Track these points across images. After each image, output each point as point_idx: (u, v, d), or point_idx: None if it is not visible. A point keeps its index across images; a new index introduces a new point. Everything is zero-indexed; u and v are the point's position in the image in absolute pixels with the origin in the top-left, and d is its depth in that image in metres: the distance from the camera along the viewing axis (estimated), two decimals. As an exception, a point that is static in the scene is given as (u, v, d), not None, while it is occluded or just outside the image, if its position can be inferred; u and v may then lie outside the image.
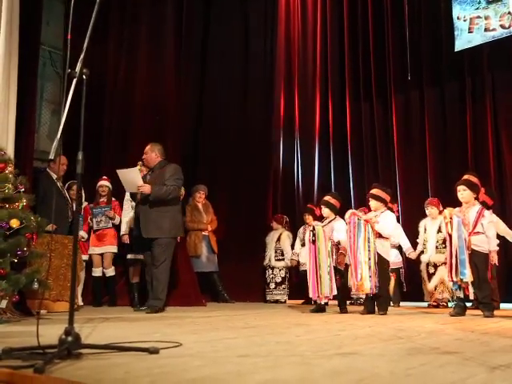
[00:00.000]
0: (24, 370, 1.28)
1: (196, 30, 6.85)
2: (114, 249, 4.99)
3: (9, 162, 3.24)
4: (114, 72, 5.93)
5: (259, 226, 6.31)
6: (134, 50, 5.96)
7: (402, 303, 5.27)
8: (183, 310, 4.15)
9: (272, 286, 5.92)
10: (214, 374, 1.27)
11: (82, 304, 4.38)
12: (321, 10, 7.26)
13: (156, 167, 4.21)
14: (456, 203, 3.83)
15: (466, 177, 3.82)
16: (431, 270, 4.97)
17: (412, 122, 6.40)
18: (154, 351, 1.58)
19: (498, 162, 5.74)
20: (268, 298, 5.90)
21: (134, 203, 4.86)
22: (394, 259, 4.95)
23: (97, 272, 4.95)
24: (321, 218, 4.56)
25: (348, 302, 4.53)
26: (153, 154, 4.20)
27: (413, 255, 5.12)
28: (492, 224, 3.77)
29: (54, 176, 4.49)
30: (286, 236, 6.02)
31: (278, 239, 6.02)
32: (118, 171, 4.11)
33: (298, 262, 5.79)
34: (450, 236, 3.57)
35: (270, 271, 5.96)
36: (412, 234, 5.27)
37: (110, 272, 4.98)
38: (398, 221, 5.13)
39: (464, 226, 3.57)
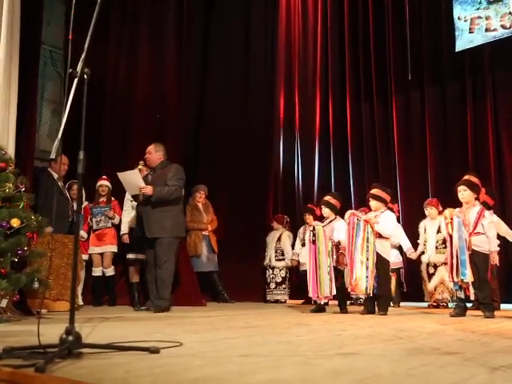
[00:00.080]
0: (25, 369, 1.28)
1: (197, 31, 6.86)
2: (114, 248, 4.99)
3: (9, 162, 3.24)
4: (115, 72, 5.93)
5: (259, 225, 6.31)
6: (135, 49, 5.96)
7: (402, 303, 5.27)
8: (183, 309, 4.15)
9: (272, 285, 5.92)
10: (216, 373, 1.27)
11: (82, 303, 4.38)
12: (321, 9, 7.26)
13: (158, 167, 4.21)
14: (456, 203, 3.83)
15: (466, 177, 3.82)
16: (431, 271, 4.97)
17: (412, 122, 6.40)
18: (154, 351, 1.57)
19: (498, 163, 5.74)
20: (268, 298, 5.90)
21: (134, 203, 4.87)
22: (395, 259, 4.95)
23: (97, 272, 4.95)
24: (321, 218, 4.56)
25: (348, 302, 4.53)
26: (156, 154, 4.21)
27: (413, 255, 5.12)
28: (492, 224, 3.77)
29: (55, 175, 4.50)
30: (287, 236, 6.02)
31: (279, 239, 6.02)
32: (118, 174, 4.12)
33: (299, 262, 5.79)
34: (451, 236, 3.57)
35: (271, 271, 5.96)
36: (412, 234, 5.27)
37: (110, 272, 4.98)
38: (399, 221, 5.13)
39: (464, 226, 3.58)
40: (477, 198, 3.78)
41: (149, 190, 3.98)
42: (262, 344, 1.92)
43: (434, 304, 4.93)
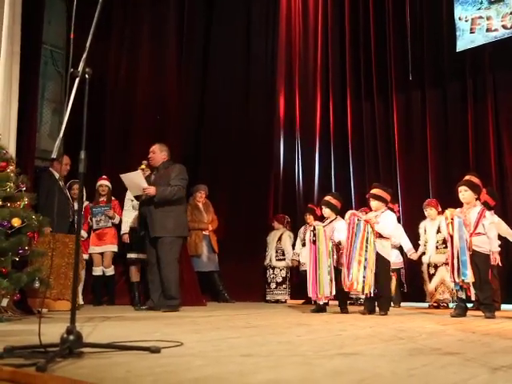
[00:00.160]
0: (26, 368, 1.28)
1: (197, 31, 6.86)
2: (114, 248, 4.99)
3: (10, 161, 3.24)
4: (116, 71, 5.93)
5: (260, 225, 6.32)
6: (136, 49, 5.96)
7: (402, 304, 5.27)
8: (183, 309, 4.15)
9: (273, 285, 5.92)
10: (217, 373, 1.27)
11: (83, 303, 4.39)
12: (322, 9, 7.25)
13: (161, 167, 4.22)
14: (457, 204, 3.83)
15: (467, 177, 3.82)
16: (432, 271, 4.97)
17: (413, 122, 6.40)
18: (155, 350, 1.57)
19: (499, 163, 5.73)
20: (268, 298, 5.90)
21: (134, 202, 4.88)
22: (395, 259, 4.95)
23: (97, 271, 4.95)
24: (322, 218, 4.56)
25: (348, 302, 4.53)
26: (161, 153, 4.22)
27: (414, 256, 5.12)
28: (493, 225, 3.76)
29: (57, 175, 4.50)
30: (287, 236, 6.02)
31: (279, 239, 6.02)
32: (121, 176, 4.14)
33: (299, 262, 5.79)
34: (452, 237, 3.57)
35: (271, 271, 5.97)
36: (413, 235, 5.27)
37: (110, 271, 4.98)
38: (399, 221, 5.13)
39: (465, 226, 3.57)
40: (478, 199, 3.78)
41: (152, 190, 3.99)
42: (263, 344, 1.92)
43: (435, 304, 4.93)
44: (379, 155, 6.51)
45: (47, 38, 5.77)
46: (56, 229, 3.88)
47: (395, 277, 5.09)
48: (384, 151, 6.49)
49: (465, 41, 6.10)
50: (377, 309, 3.88)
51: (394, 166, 6.36)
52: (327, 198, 4.44)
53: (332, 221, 4.30)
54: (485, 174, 5.22)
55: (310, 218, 5.59)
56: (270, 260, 5.99)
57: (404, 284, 5.33)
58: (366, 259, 3.74)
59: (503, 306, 4.57)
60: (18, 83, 3.85)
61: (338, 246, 4.14)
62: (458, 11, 6.22)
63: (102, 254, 4.98)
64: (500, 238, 4.11)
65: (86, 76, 1.71)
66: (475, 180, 3.78)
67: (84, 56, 1.72)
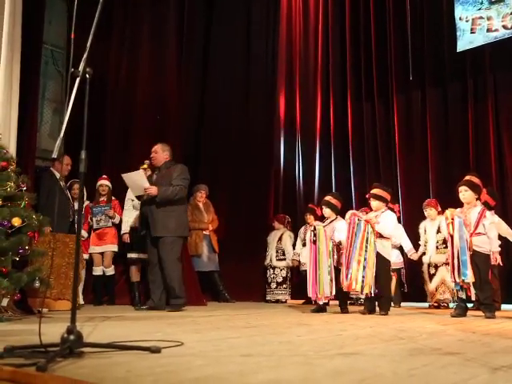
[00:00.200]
0: (26, 368, 1.28)
1: (198, 31, 6.86)
2: (115, 248, 4.99)
3: (11, 161, 3.24)
4: (116, 71, 5.93)
5: (260, 225, 6.32)
6: (136, 49, 5.96)
7: (402, 304, 5.27)
8: (184, 309, 4.15)
9: (273, 285, 5.92)
10: (217, 373, 1.27)
11: (83, 303, 4.39)
12: (322, 9, 7.25)
13: (163, 167, 4.23)
14: (457, 204, 3.83)
15: (467, 177, 3.82)
16: (432, 271, 4.97)
17: (414, 122, 6.40)
18: (155, 350, 1.57)
19: (499, 163, 5.73)
20: (269, 298, 5.90)
21: (135, 202, 4.88)
22: (395, 259, 4.95)
23: (97, 271, 4.95)
24: (322, 218, 4.56)
25: (348, 302, 4.53)
26: (163, 153, 4.23)
27: (414, 256, 5.12)
28: (494, 225, 3.77)
29: (57, 175, 4.51)
30: (288, 236, 6.02)
31: (280, 239, 6.02)
32: (123, 175, 4.15)
33: (299, 262, 5.79)
34: (452, 237, 3.57)
35: (271, 271, 5.96)
36: (413, 235, 5.27)
37: (110, 271, 4.98)
38: (400, 221, 5.13)
39: (465, 226, 3.57)
40: (478, 199, 3.78)
41: (153, 190, 4.00)
42: (263, 344, 1.92)
43: (435, 304, 4.93)
44: (379, 155, 6.51)
45: (48, 37, 5.77)
46: (56, 229, 3.89)
47: (395, 277, 5.09)
48: (384, 151, 6.49)
49: (465, 41, 6.10)
50: (377, 309, 3.88)
51: (395, 166, 6.35)
52: (327, 197, 4.45)
53: (332, 221, 4.30)
54: (485, 174, 5.22)
55: (310, 218, 5.59)
56: (271, 260, 5.99)
57: (404, 284, 5.33)
58: (365, 259, 3.74)
59: (503, 306, 4.56)
60: (19, 83, 3.86)
61: (338, 246, 4.14)
62: (459, 11, 6.22)
63: (102, 253, 4.98)
64: (500, 237, 4.11)
65: (87, 76, 1.71)
66: (475, 180, 3.78)
67: (84, 56, 1.72)
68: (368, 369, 1.36)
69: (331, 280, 3.96)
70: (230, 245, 6.04)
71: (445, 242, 4.67)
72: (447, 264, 4.06)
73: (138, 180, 4.05)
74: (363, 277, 3.72)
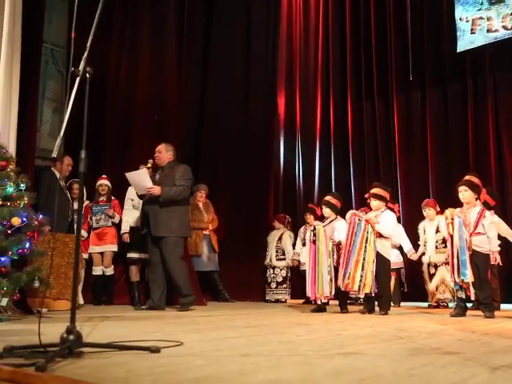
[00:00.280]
0: (26, 368, 1.28)
1: (198, 31, 6.86)
2: (115, 248, 4.99)
3: (10, 160, 3.24)
4: (116, 71, 5.93)
5: (260, 225, 6.32)
6: (136, 49, 5.96)
7: (402, 303, 5.27)
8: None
9: (273, 285, 5.92)
10: (217, 373, 1.27)
11: (83, 302, 4.38)
12: (323, 9, 7.25)
13: (166, 167, 4.24)
14: (457, 204, 3.83)
15: (467, 177, 3.82)
16: (432, 271, 4.97)
17: (413, 122, 6.40)
18: (155, 350, 1.57)
19: (499, 163, 5.74)
20: (268, 298, 5.90)
21: (134, 202, 4.88)
22: (395, 259, 4.95)
23: (97, 271, 4.95)
24: (322, 218, 4.56)
25: (348, 302, 4.53)
26: (166, 153, 4.25)
27: (414, 257, 5.12)
28: (493, 225, 3.77)
29: (58, 174, 4.51)
30: (288, 236, 6.02)
31: (280, 239, 6.02)
32: (126, 174, 4.17)
33: (299, 261, 5.79)
34: (452, 237, 3.57)
35: (271, 271, 5.96)
36: (413, 235, 5.27)
37: (109, 271, 4.98)
38: (399, 221, 5.13)
39: (465, 226, 3.58)
40: (478, 198, 3.78)
41: (157, 190, 4.01)
42: (263, 344, 1.92)
43: (435, 304, 4.94)
44: (379, 155, 6.51)
45: (48, 36, 5.76)
46: (55, 229, 3.88)
47: (395, 276, 5.09)
48: (384, 151, 6.49)
49: (465, 41, 6.10)
50: (377, 308, 3.89)
51: (395, 166, 6.36)
52: (327, 197, 4.45)
53: (332, 221, 4.30)
54: (485, 173, 5.23)
55: (310, 218, 5.59)
56: (271, 260, 5.99)
57: (404, 284, 5.33)
58: (364, 259, 3.75)
59: (503, 306, 4.57)
60: (19, 82, 3.85)
61: (338, 246, 4.14)
62: (459, 12, 6.22)
63: (101, 253, 4.97)
64: (500, 237, 4.11)
65: (87, 75, 1.71)
66: (475, 180, 3.78)
67: (85, 55, 1.72)
68: (368, 368, 1.36)
69: (331, 280, 3.96)
70: (229, 245, 6.04)
71: (444, 241, 4.68)
72: (447, 263, 4.07)
73: (141, 179, 4.06)
74: (361, 276, 3.72)
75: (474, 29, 6.07)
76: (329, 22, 7.16)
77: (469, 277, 3.47)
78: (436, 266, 4.94)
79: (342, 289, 3.89)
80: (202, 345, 1.86)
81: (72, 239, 3.89)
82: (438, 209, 5.02)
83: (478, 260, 3.58)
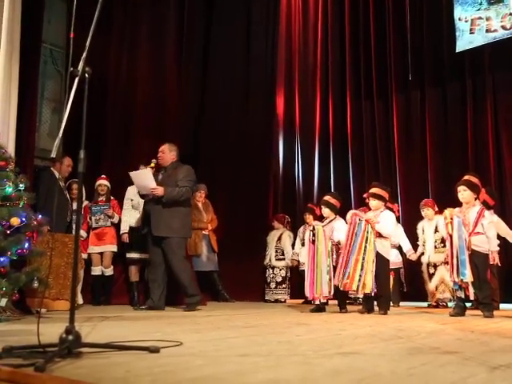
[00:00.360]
0: (25, 368, 1.28)
1: (198, 31, 6.86)
2: (114, 248, 4.99)
3: (9, 160, 3.24)
4: (116, 70, 5.93)
5: (259, 225, 6.32)
6: (136, 48, 5.97)
7: (401, 303, 5.27)
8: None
9: (272, 285, 5.92)
10: (216, 373, 1.27)
11: (82, 303, 4.38)
12: (322, 10, 7.26)
13: (169, 167, 4.24)
14: (456, 204, 3.83)
15: (466, 177, 3.82)
16: (431, 270, 4.98)
17: (413, 122, 6.40)
18: (154, 350, 1.57)
19: (498, 163, 5.75)
20: (268, 298, 5.90)
21: (134, 202, 4.88)
22: (394, 259, 4.96)
23: (96, 271, 4.95)
24: (321, 218, 4.56)
25: (347, 302, 4.53)
26: (170, 153, 4.25)
27: (413, 257, 5.12)
28: (492, 224, 3.77)
29: (57, 175, 4.50)
30: (287, 236, 6.02)
31: (279, 239, 6.02)
32: (130, 173, 4.17)
33: (299, 261, 5.80)
34: (451, 236, 3.58)
35: (271, 271, 5.96)
36: (413, 235, 5.27)
37: (109, 272, 4.97)
38: (399, 221, 5.13)
39: (464, 226, 3.58)
40: (477, 198, 3.78)
41: (160, 191, 4.01)
42: (262, 343, 1.92)
43: (434, 304, 4.94)
44: (379, 155, 6.52)
45: (47, 36, 5.76)
46: (54, 228, 3.88)
47: (393, 276, 5.09)
48: (383, 151, 6.50)
49: (464, 41, 6.11)
50: (376, 308, 3.89)
51: (394, 166, 6.36)
52: (326, 197, 4.45)
53: (331, 220, 4.30)
54: (484, 173, 5.23)
55: (309, 218, 5.59)
56: (270, 260, 5.99)
57: (403, 284, 5.34)
58: (364, 259, 3.75)
59: (502, 306, 4.57)
60: (18, 82, 3.85)
61: (337, 246, 4.14)
62: (458, 12, 6.23)
63: (101, 253, 4.97)
64: (499, 237, 4.11)
65: (86, 75, 1.71)
66: (474, 180, 3.78)
67: (84, 55, 1.72)
68: (367, 368, 1.36)
69: (330, 280, 3.96)
70: (229, 245, 6.04)
71: (443, 241, 4.68)
72: (446, 263, 4.07)
73: (145, 179, 4.07)
74: (360, 276, 3.72)
75: (473, 29, 6.08)
76: (328, 21, 7.17)
77: (468, 276, 3.48)
78: (435, 266, 4.95)
79: (341, 288, 3.90)
80: (202, 345, 1.86)
81: (71, 239, 3.88)
82: (437, 209, 5.03)
83: (478, 260, 3.58)
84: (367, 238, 3.79)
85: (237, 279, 5.89)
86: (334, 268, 4.04)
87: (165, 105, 5.86)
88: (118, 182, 5.15)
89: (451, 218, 3.60)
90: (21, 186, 3.17)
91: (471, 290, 3.52)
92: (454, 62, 6.17)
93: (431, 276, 4.97)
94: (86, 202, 5.02)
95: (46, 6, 4.72)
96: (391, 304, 4.61)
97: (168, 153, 4.25)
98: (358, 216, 3.88)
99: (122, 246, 4.97)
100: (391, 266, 4.38)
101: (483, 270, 3.58)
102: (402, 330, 2.49)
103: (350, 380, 1.20)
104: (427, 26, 6.40)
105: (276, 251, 5.98)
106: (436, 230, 4.93)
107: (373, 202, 4.04)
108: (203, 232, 5.77)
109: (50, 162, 4.65)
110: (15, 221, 2.99)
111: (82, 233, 4.90)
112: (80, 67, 1.70)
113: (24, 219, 3.04)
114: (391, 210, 4.13)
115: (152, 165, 4.23)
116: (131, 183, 4.85)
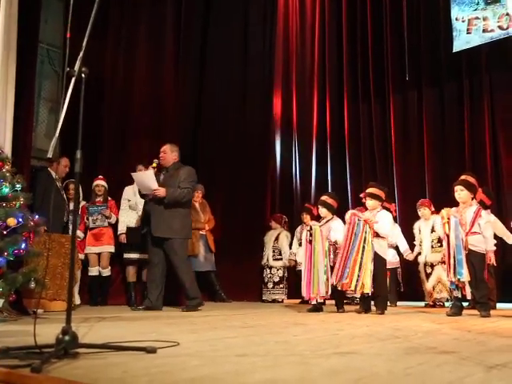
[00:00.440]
0: (21, 369, 1.28)
1: (195, 31, 6.85)
2: (112, 249, 4.98)
3: (6, 161, 3.23)
4: (113, 71, 5.91)
5: (257, 225, 6.32)
6: (133, 49, 5.95)
7: (398, 303, 5.28)
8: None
9: (270, 285, 5.92)
10: (213, 373, 1.27)
11: (79, 303, 4.37)
12: (319, 10, 7.27)
13: (171, 168, 4.25)
14: (453, 203, 3.84)
15: (463, 177, 3.83)
16: (429, 270, 4.99)
17: (410, 122, 6.42)
18: (151, 351, 1.57)
19: (495, 163, 5.77)
20: (265, 298, 5.90)
21: (131, 202, 4.87)
22: (391, 259, 4.97)
23: (93, 271, 4.93)
24: (318, 218, 4.56)
25: (344, 302, 4.53)
26: (172, 154, 4.26)
27: (410, 257, 5.13)
28: (489, 224, 3.78)
29: (54, 175, 4.49)
30: (285, 236, 6.02)
31: (277, 239, 6.02)
32: (132, 174, 4.19)
33: (296, 261, 5.80)
34: (448, 236, 3.59)
35: (268, 271, 5.97)
36: (410, 234, 5.29)
37: (106, 272, 4.96)
38: (396, 221, 5.14)
39: (461, 226, 3.59)
40: (474, 198, 3.80)
41: (162, 192, 4.01)
42: (260, 344, 1.92)
43: (431, 303, 4.95)
44: (376, 155, 6.53)
45: (44, 36, 5.73)
46: (50, 229, 3.87)
47: (388, 275, 5.10)
48: (381, 151, 6.51)
49: (461, 41, 6.12)
50: (373, 308, 3.89)
51: (391, 166, 6.38)
52: (324, 197, 4.45)
53: (328, 220, 4.30)
54: (481, 173, 5.25)
55: (306, 218, 5.59)
56: (267, 260, 5.99)
57: (400, 283, 5.35)
58: (362, 259, 3.75)
59: (498, 305, 4.59)
60: (14, 82, 3.83)
61: (334, 246, 4.15)
62: (455, 12, 6.25)
63: (98, 254, 4.96)
64: (496, 237, 4.13)
65: (83, 75, 1.70)
66: (471, 179, 3.80)
67: (80, 55, 1.72)
68: (364, 368, 1.36)
69: (327, 279, 3.96)
70: (226, 245, 6.04)
71: (440, 240, 4.70)
72: (443, 262, 4.08)
73: (147, 180, 4.06)
74: (358, 276, 3.73)
75: (469, 29, 6.10)
76: (325, 22, 7.18)
77: (465, 276, 3.49)
78: (432, 266, 4.96)
79: (339, 288, 3.90)
80: (199, 345, 1.86)
81: (68, 240, 3.87)
82: (433, 208, 5.04)
83: (474, 259, 3.59)
84: (365, 238, 3.79)
85: (234, 279, 5.89)
86: (332, 268, 4.04)
87: (162, 105, 5.85)
88: (115, 182, 5.14)
89: (448, 218, 3.61)
90: (17, 186, 3.16)
91: (468, 290, 3.53)
92: (451, 62, 6.19)
93: (428, 276, 4.98)
94: (83, 203, 5.01)
95: (42, 5, 4.70)
96: (388, 304, 4.62)
97: (170, 153, 4.25)
98: (357, 216, 3.89)
99: (120, 246, 4.96)
100: (388, 266, 4.40)
101: (480, 270, 3.59)
102: (399, 330, 2.49)
103: (348, 380, 1.20)
104: (424, 26, 6.41)
105: (273, 251, 5.98)
106: (432, 230, 4.95)
107: (369, 202, 4.04)
108: (200, 232, 5.77)
109: (47, 163, 4.64)
110: (12, 221, 2.98)
111: (79, 233, 4.89)
112: (77, 67, 1.69)
113: (21, 220, 3.03)
114: (388, 209, 4.13)
115: (154, 165, 4.23)
116: (129, 183, 4.85)
